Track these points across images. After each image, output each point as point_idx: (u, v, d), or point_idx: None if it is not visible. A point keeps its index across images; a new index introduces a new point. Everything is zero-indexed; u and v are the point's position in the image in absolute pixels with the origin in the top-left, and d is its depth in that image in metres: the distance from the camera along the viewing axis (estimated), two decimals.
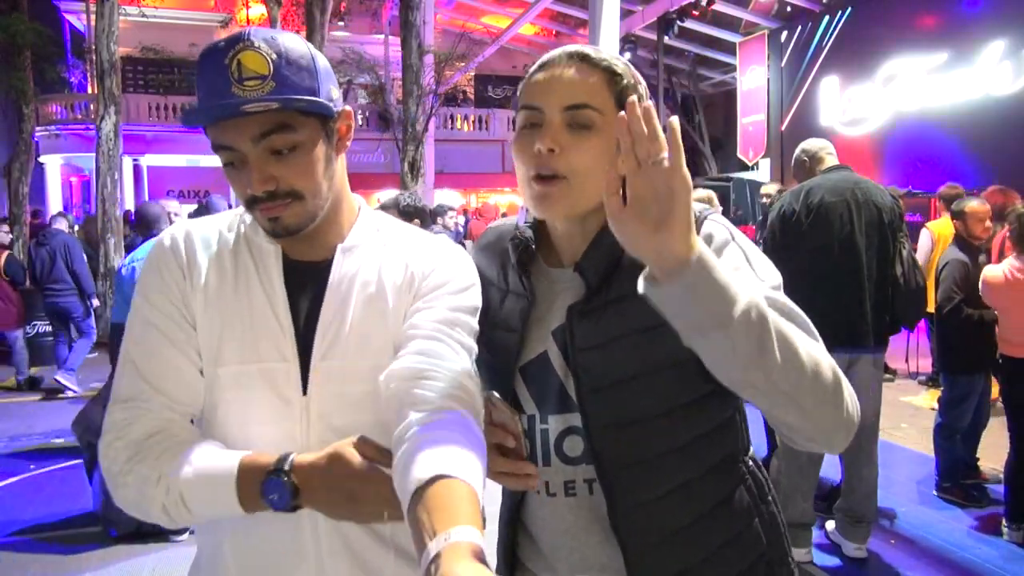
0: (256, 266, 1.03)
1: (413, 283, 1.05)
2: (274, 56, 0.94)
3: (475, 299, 1.07)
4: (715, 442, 1.06)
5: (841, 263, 3.07)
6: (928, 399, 5.77)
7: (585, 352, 1.02)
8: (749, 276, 0.94)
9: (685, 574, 1.03)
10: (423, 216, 3.48)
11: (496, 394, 1.06)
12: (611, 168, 0.78)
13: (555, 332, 1.06)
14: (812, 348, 0.85)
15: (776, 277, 0.97)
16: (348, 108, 1.04)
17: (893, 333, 3.28)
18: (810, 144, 3.41)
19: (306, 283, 1.03)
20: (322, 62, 0.99)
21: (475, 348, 1.03)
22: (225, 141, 0.95)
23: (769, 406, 0.85)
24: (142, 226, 4.02)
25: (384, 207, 3.40)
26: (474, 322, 1.05)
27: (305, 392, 1.00)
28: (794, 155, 3.46)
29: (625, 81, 1.02)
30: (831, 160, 3.31)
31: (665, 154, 0.75)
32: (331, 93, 1.00)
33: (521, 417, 1.07)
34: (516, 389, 1.10)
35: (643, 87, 1.03)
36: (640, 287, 0.81)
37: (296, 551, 0.99)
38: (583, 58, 1.02)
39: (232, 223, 1.07)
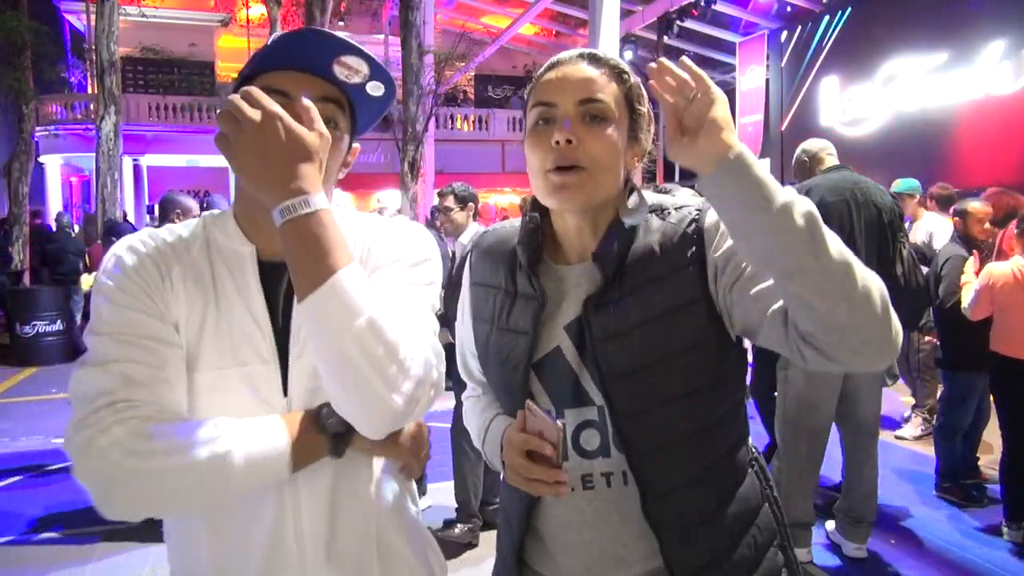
0: (230, 269, 1.00)
1: (369, 258, 1.03)
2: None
3: (431, 273, 1.05)
4: (729, 425, 1.10)
5: None
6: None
7: (604, 342, 1.03)
8: None
9: (716, 560, 1.05)
10: (476, 200, 3.94)
11: (534, 403, 1.03)
12: (670, 109, 0.89)
13: (568, 326, 1.07)
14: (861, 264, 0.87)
15: None
16: (358, 146, 1.08)
17: None
18: (810, 144, 3.41)
19: (280, 282, 1.01)
20: None
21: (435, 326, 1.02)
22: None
23: (820, 296, 0.84)
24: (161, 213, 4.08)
25: (441, 193, 3.89)
26: (433, 297, 1.04)
27: (286, 393, 0.98)
28: (794, 155, 3.47)
29: (631, 80, 1.08)
30: (831, 160, 3.31)
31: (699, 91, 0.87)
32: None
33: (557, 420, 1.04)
34: (530, 386, 1.10)
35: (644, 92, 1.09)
36: (697, 186, 0.93)
37: (278, 559, 0.98)
38: (592, 57, 1.07)
39: (195, 231, 1.04)
